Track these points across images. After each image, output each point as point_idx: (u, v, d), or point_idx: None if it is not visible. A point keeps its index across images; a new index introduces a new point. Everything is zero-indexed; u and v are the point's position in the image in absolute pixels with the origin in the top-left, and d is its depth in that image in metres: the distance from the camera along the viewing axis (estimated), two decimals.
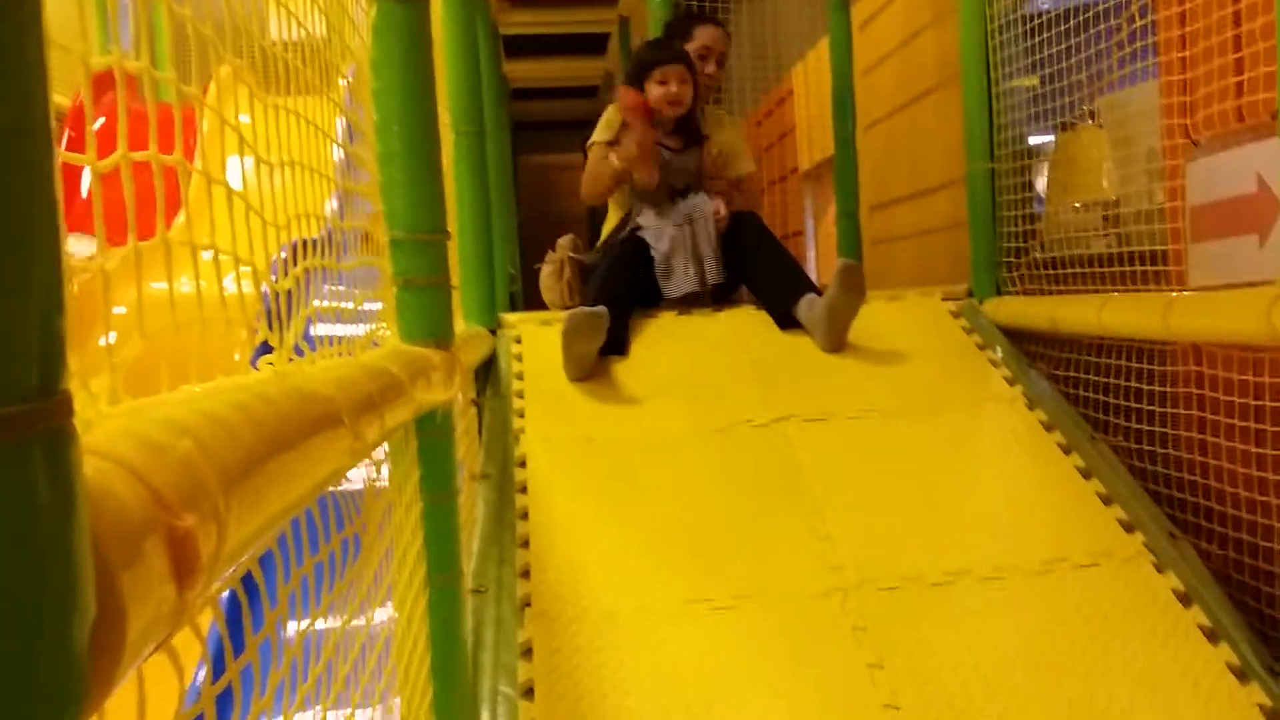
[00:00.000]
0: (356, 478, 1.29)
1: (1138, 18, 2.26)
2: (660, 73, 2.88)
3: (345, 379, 0.89)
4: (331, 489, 1.27)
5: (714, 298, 2.90)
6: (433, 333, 1.47)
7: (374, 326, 1.37)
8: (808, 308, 2.61)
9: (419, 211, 1.46)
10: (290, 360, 0.86)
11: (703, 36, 3.22)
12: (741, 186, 3.08)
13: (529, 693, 1.69)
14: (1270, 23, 1.75)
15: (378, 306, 1.46)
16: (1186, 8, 2.13)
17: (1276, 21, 1.69)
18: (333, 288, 1.26)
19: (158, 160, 0.61)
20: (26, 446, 0.32)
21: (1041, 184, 2.94)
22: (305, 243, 1.08)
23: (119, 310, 0.58)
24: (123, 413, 0.50)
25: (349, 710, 1.12)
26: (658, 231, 2.82)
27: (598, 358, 2.51)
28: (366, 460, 1.34)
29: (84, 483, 0.36)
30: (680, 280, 2.80)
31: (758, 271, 2.81)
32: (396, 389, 1.07)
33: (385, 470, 1.39)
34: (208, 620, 0.98)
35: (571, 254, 3.02)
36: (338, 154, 1.45)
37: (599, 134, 3.13)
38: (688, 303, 2.85)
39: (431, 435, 1.48)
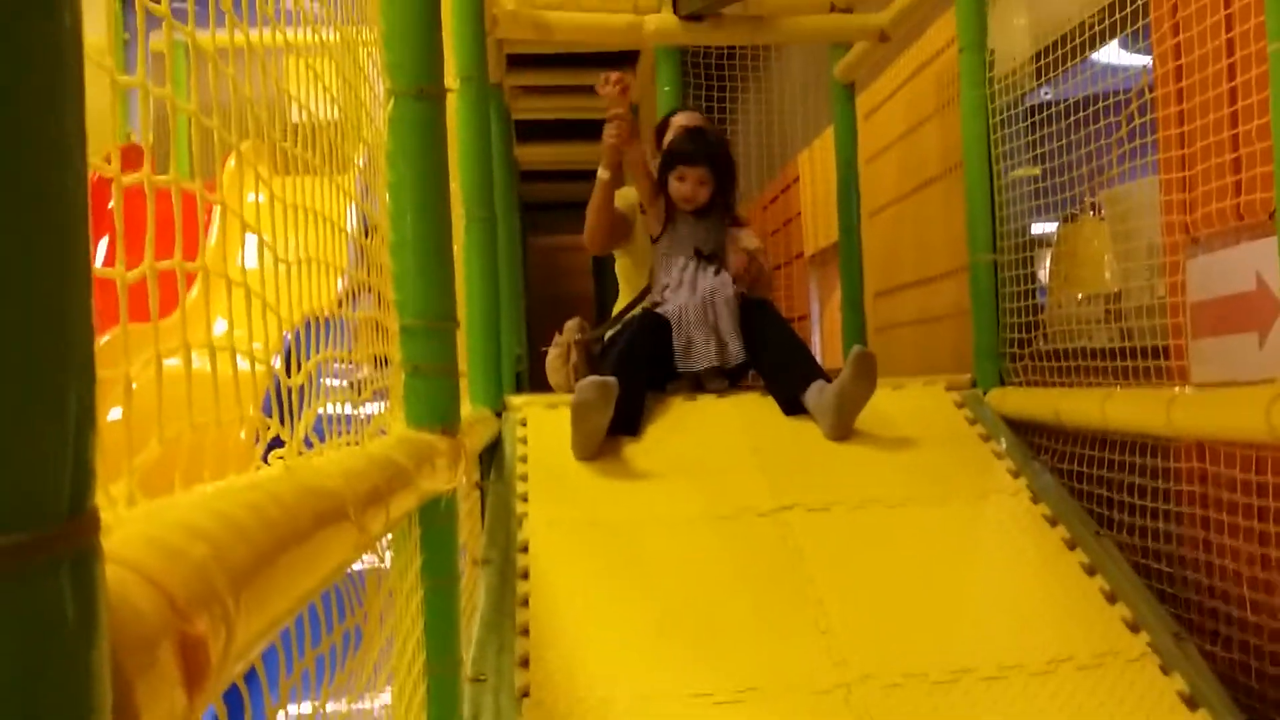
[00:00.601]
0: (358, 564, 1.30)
1: (1137, 115, 2.31)
2: (682, 170, 2.96)
3: (352, 471, 0.90)
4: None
5: (730, 379, 2.90)
6: (440, 419, 1.49)
7: (381, 413, 1.38)
8: (817, 394, 2.62)
9: (430, 300, 1.48)
10: (300, 453, 0.87)
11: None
12: (755, 256, 3.08)
13: None
14: (1267, 124, 1.79)
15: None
16: (1185, 107, 2.18)
17: (1272, 123, 1.73)
18: (343, 365, 1.28)
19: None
20: (56, 565, 0.33)
21: (1044, 274, 2.97)
22: (316, 321, 1.10)
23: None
24: (140, 517, 0.51)
25: None
26: (680, 307, 2.84)
27: (606, 437, 2.51)
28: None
29: (107, 595, 0.37)
30: (700, 356, 2.81)
31: (769, 355, 2.82)
32: (402, 478, 1.08)
33: (389, 557, 1.40)
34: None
35: (578, 337, 3.04)
36: (350, 236, 1.48)
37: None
38: (700, 384, 2.86)
39: (435, 522, 1.49)
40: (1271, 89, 1.71)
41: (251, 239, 0.98)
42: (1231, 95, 2.02)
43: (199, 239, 0.88)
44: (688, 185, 2.94)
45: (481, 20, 2.74)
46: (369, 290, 1.50)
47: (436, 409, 1.49)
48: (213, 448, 0.72)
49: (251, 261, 0.99)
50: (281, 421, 0.86)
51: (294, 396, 0.94)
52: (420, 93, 1.48)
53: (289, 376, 0.94)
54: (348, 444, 1.08)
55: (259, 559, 0.59)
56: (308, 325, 1.13)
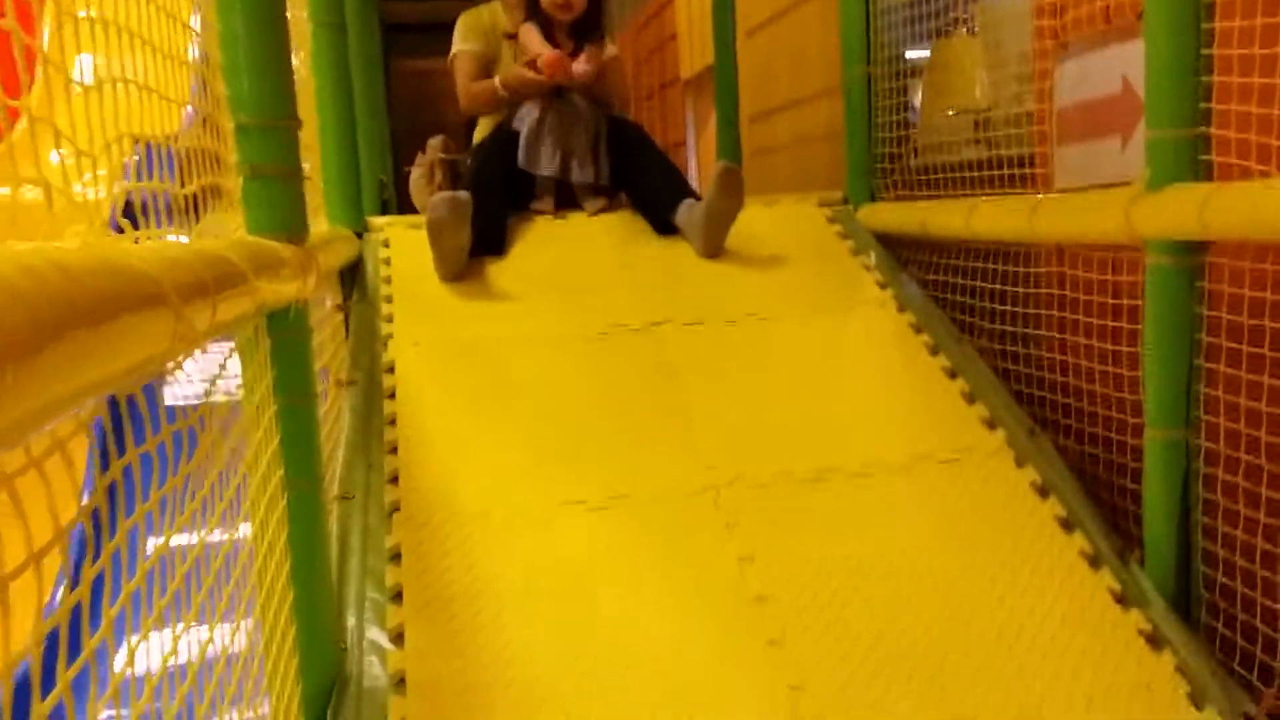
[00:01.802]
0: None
1: None
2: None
3: (172, 259, 0.82)
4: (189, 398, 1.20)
5: (606, 196, 2.81)
6: (283, 226, 1.39)
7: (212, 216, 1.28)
8: (686, 212, 2.58)
9: (266, 96, 1.36)
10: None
11: None
12: (611, 66, 2.95)
13: (397, 597, 1.66)
14: None
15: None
16: None
17: None
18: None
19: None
20: None
21: (917, 94, 2.94)
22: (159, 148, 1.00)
23: None
24: None
25: (210, 623, 1.07)
26: (534, 119, 2.71)
27: (471, 258, 2.43)
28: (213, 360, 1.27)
29: None
30: (545, 162, 2.71)
31: (637, 177, 2.75)
32: (235, 279, 1.00)
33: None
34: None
35: (442, 155, 2.91)
36: (194, 45, 1.35)
37: (461, 44, 3.00)
38: (565, 203, 2.77)
39: (285, 335, 1.41)
40: None
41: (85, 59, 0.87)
42: None
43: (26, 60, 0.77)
44: None
45: None
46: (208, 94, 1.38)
47: (279, 214, 1.39)
48: None
49: (88, 78, 0.88)
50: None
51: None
52: None
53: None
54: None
55: (38, 329, 0.52)
56: (149, 152, 1.03)
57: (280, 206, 1.40)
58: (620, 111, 2.96)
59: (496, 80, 2.84)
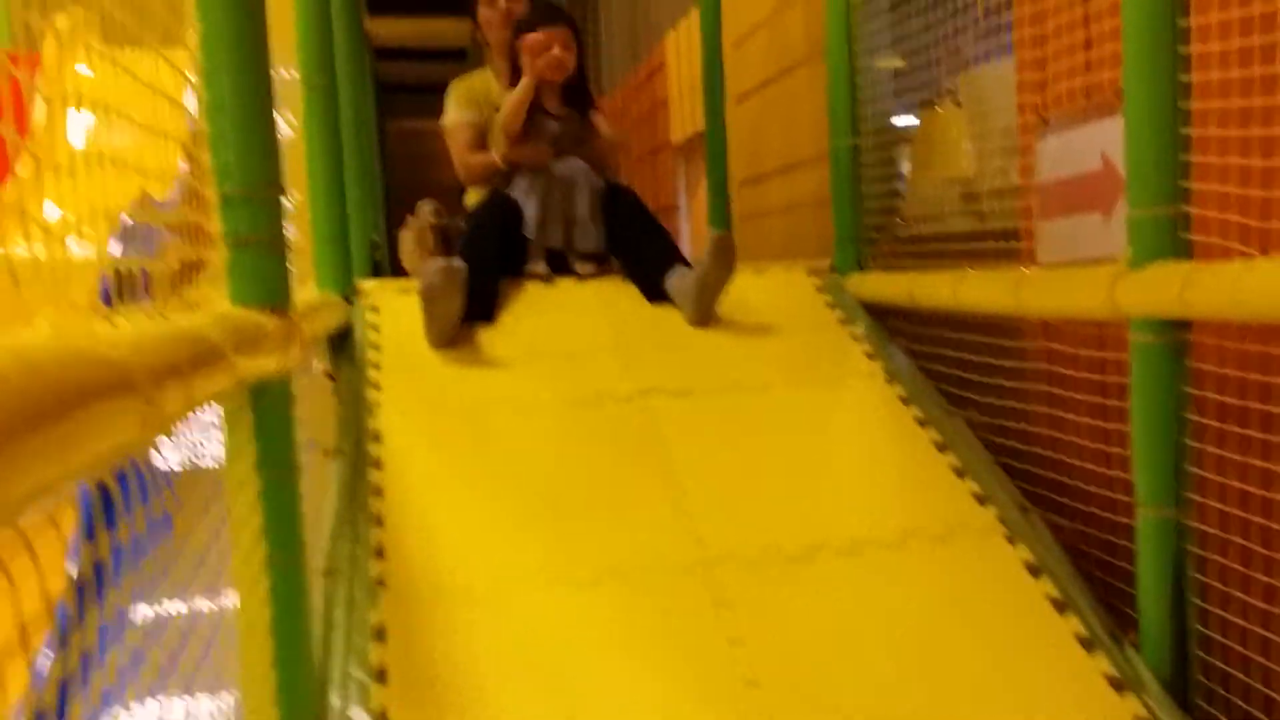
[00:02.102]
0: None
1: None
2: (545, 36, 2.78)
3: (144, 340, 0.81)
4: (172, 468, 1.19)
5: (596, 262, 2.82)
6: (267, 297, 1.38)
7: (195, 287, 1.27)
8: (678, 280, 2.58)
9: (251, 165, 1.36)
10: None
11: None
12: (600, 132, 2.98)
13: (381, 675, 1.62)
14: (1117, 1, 1.78)
15: None
16: None
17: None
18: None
19: None
20: None
21: (904, 161, 2.97)
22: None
23: None
24: None
25: (194, 696, 1.04)
26: (529, 186, 2.73)
27: (462, 325, 2.42)
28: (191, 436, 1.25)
29: None
30: (551, 234, 2.72)
31: (631, 243, 2.76)
32: (212, 355, 0.98)
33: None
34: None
35: (433, 220, 2.91)
36: (190, 109, 1.35)
37: (456, 113, 3.03)
38: (563, 269, 2.77)
39: (269, 408, 1.39)
40: None
41: (80, 118, 0.87)
42: None
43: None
44: (554, 49, 2.79)
45: None
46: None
47: (263, 286, 1.38)
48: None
49: (79, 141, 0.88)
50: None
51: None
52: None
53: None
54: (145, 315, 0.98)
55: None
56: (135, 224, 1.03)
57: (264, 276, 1.39)
58: (612, 176, 2.98)
59: (495, 154, 2.86)
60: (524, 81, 2.73)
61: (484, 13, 3.23)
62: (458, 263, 2.32)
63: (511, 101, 2.75)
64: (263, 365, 1.25)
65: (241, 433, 1.35)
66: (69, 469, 0.60)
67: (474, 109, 3.03)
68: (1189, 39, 1.63)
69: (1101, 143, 1.91)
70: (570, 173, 2.74)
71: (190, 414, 0.89)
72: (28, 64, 0.73)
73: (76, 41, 0.81)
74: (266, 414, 1.40)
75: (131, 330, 0.82)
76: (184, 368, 0.87)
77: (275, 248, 1.39)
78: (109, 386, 0.69)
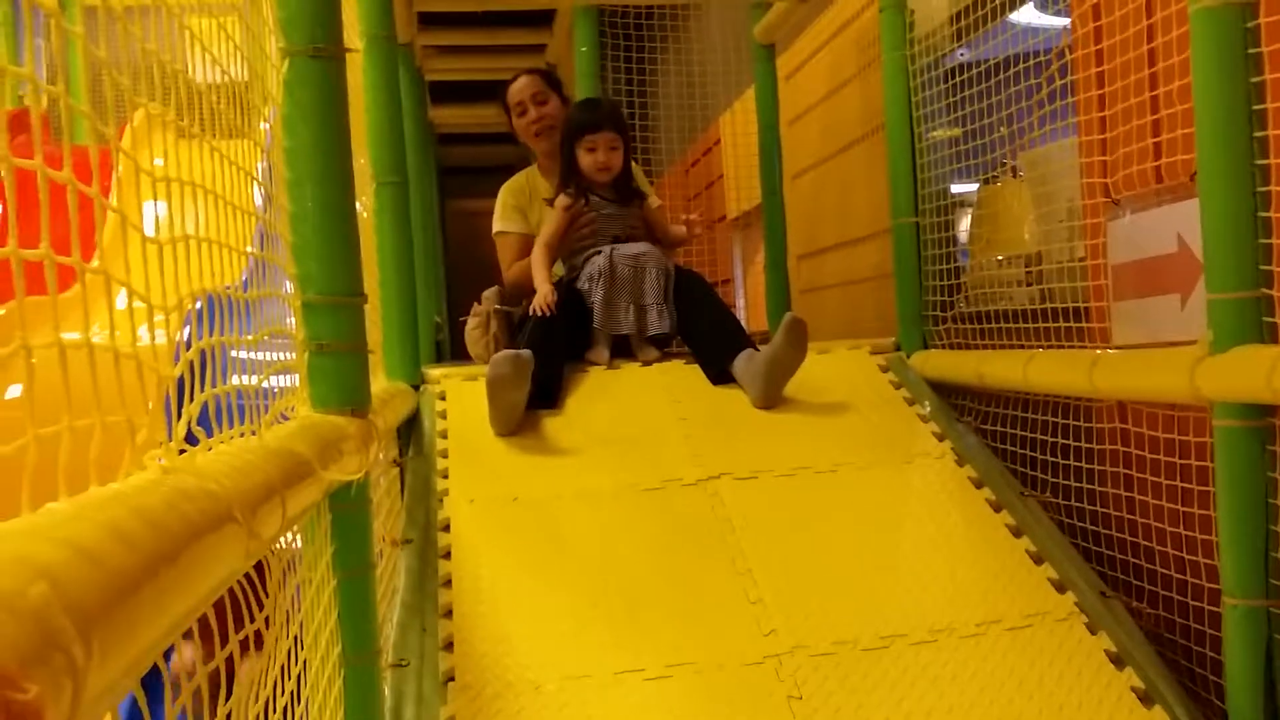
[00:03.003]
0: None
1: (1058, 77, 2.29)
2: (589, 140, 2.87)
3: (242, 468, 0.82)
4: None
5: (658, 346, 2.84)
6: (348, 400, 1.41)
7: (283, 396, 1.29)
8: (745, 362, 2.58)
9: (334, 274, 1.40)
10: (183, 451, 0.79)
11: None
12: (657, 216, 3.05)
13: None
14: (1187, 85, 1.78)
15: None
16: (1105, 69, 2.17)
17: (1194, 84, 1.72)
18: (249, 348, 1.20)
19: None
20: None
21: (965, 236, 2.96)
22: (218, 300, 1.02)
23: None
24: None
25: None
26: (602, 270, 2.76)
27: (526, 411, 2.44)
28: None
29: None
30: (620, 323, 2.75)
31: (700, 327, 2.77)
32: (302, 470, 1.00)
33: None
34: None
35: (498, 306, 2.96)
36: (259, 200, 1.39)
37: (502, 223, 3.14)
38: (627, 352, 2.79)
39: (346, 510, 1.41)
40: (1192, 50, 1.70)
41: (152, 208, 0.90)
42: (1151, 57, 2.01)
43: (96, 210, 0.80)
44: (600, 153, 2.86)
45: None
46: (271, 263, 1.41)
47: (344, 389, 1.40)
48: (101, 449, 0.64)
49: (151, 231, 0.91)
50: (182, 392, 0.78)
51: (194, 381, 0.86)
52: (316, 52, 1.38)
53: (191, 361, 0.86)
54: (244, 435, 1.00)
55: (119, 590, 0.52)
56: (210, 304, 1.05)
57: (345, 380, 1.42)
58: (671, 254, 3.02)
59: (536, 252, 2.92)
60: (542, 289, 2.78)
61: (517, 123, 3.41)
62: (525, 353, 2.34)
63: (548, 232, 2.87)
64: (345, 469, 1.27)
65: (319, 536, 1.37)
66: (183, 611, 0.62)
67: (519, 219, 3.21)
68: (1265, 123, 1.62)
69: (1177, 225, 1.89)
70: (637, 258, 2.78)
71: (284, 534, 0.91)
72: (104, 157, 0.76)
73: (152, 133, 0.85)
74: (344, 515, 1.41)
75: (229, 457, 0.83)
76: (278, 489, 0.89)
77: (356, 352, 1.42)
78: (215, 520, 0.71)
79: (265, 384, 1.21)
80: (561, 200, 2.88)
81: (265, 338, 1.25)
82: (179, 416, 0.84)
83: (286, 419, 1.25)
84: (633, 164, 3.05)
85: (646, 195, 3.04)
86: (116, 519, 0.54)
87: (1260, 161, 1.62)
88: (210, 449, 0.87)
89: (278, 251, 1.41)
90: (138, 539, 0.56)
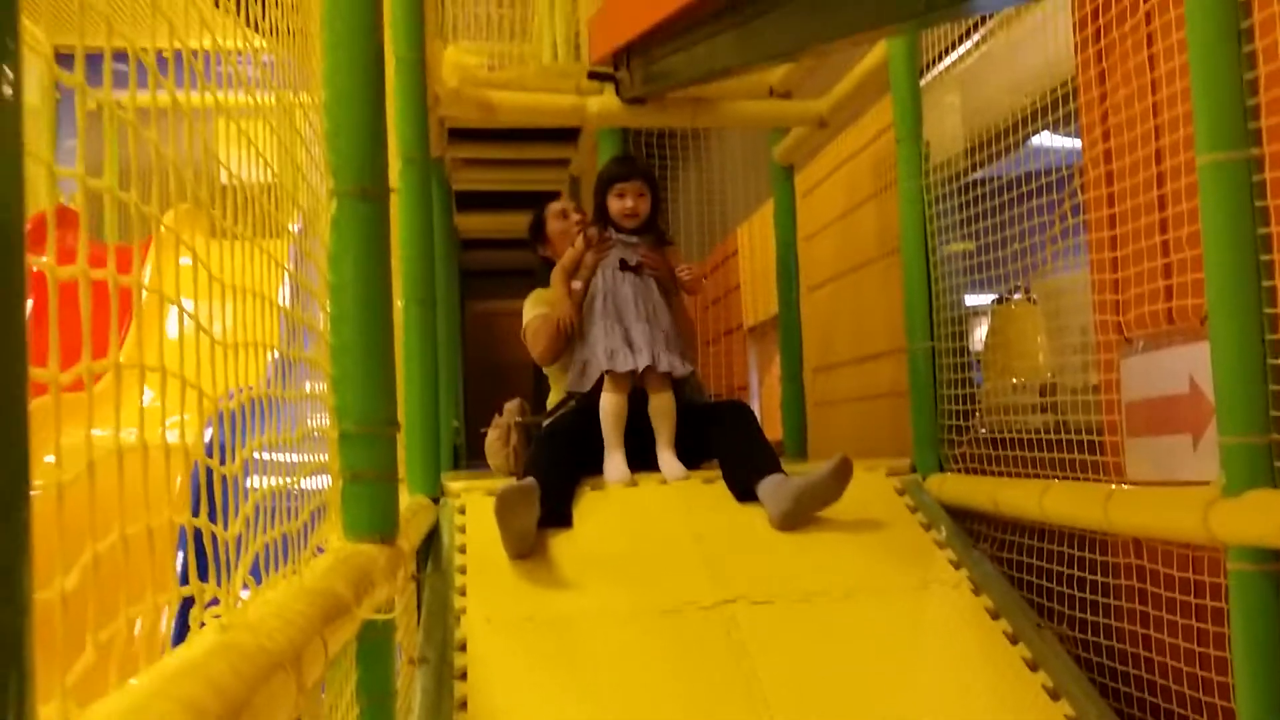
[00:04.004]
0: None
1: (1070, 216, 2.36)
2: (620, 188, 3.00)
3: (292, 618, 0.86)
4: None
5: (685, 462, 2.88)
6: (378, 528, 1.44)
7: (319, 528, 1.33)
8: (776, 483, 2.60)
9: (371, 405, 1.44)
10: (237, 602, 0.83)
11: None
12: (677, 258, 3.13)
13: None
14: (1196, 231, 1.84)
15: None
16: (1116, 211, 2.24)
17: (1202, 231, 1.77)
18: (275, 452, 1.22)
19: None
20: None
21: (980, 349, 3.00)
22: (243, 406, 1.05)
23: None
24: None
25: None
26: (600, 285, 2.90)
27: (539, 530, 2.46)
28: None
29: None
30: (618, 356, 2.83)
31: (735, 447, 2.80)
32: (340, 609, 1.03)
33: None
34: None
35: (518, 419, 3.01)
36: (284, 298, 1.43)
37: (531, 310, 3.23)
38: (640, 462, 2.81)
39: (371, 635, 1.43)
40: (1200, 199, 1.76)
41: (182, 307, 0.93)
42: (1160, 203, 2.08)
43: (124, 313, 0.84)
44: (629, 199, 2.98)
45: (424, 100, 2.72)
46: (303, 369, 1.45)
47: (375, 516, 1.44)
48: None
49: (174, 331, 0.94)
50: (208, 574, 0.81)
51: (223, 499, 0.89)
52: (364, 193, 1.45)
53: (210, 475, 0.89)
54: (284, 575, 1.04)
55: None
56: (233, 411, 1.08)
57: (377, 508, 1.46)
58: (692, 363, 3.06)
59: (563, 305, 3.01)
60: (565, 309, 2.91)
61: (554, 225, 3.41)
62: (529, 482, 2.39)
63: (568, 257, 3.00)
64: (375, 601, 1.30)
65: (345, 664, 1.39)
66: None
67: (544, 307, 3.22)
68: (1274, 273, 1.67)
69: (1189, 366, 1.93)
70: (636, 288, 2.87)
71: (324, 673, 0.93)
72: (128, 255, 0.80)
73: (181, 233, 0.88)
74: (369, 641, 1.43)
75: (278, 608, 0.87)
76: (320, 630, 0.92)
77: (389, 480, 1.46)
78: (267, 672, 0.74)
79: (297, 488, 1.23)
80: (591, 231, 3.02)
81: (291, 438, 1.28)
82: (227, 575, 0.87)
83: (322, 551, 1.29)
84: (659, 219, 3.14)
85: (671, 241, 3.13)
86: (193, 695, 0.58)
87: (1269, 310, 1.67)
88: (258, 596, 0.90)
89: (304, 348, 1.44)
90: (210, 710, 0.59)
